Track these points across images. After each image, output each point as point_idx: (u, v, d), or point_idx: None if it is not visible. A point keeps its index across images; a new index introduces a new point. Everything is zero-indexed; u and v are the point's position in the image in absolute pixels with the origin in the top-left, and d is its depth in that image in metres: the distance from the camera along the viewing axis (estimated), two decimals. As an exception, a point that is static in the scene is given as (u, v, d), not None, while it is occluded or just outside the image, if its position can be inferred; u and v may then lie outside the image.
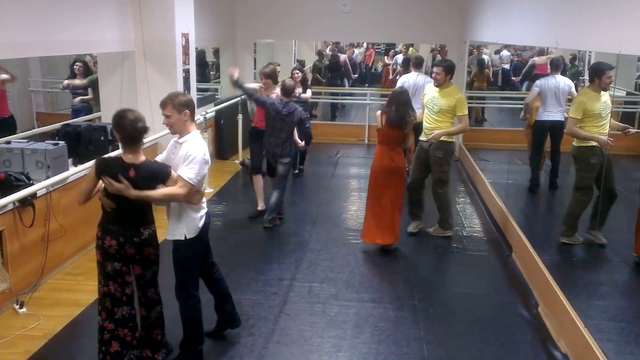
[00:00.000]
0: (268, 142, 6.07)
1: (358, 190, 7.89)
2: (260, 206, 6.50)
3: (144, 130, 3.30)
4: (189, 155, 3.35)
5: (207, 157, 3.44)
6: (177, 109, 3.40)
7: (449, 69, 5.89)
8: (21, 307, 4.34)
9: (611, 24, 3.98)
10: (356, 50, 18.04)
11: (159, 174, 3.37)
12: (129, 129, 3.26)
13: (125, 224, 3.38)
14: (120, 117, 3.27)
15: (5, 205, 4.23)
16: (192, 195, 3.38)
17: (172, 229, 3.49)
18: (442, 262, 5.53)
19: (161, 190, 3.34)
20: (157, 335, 3.65)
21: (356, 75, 16.26)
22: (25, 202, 4.45)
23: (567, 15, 5.04)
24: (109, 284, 3.45)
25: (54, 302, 4.50)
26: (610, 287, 5.12)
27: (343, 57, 15.57)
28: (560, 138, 7.16)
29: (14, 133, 7.01)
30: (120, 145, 3.40)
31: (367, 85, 16.80)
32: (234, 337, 4.02)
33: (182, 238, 3.46)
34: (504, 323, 4.37)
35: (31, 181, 4.70)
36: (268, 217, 6.21)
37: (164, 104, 3.43)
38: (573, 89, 7.24)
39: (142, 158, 3.36)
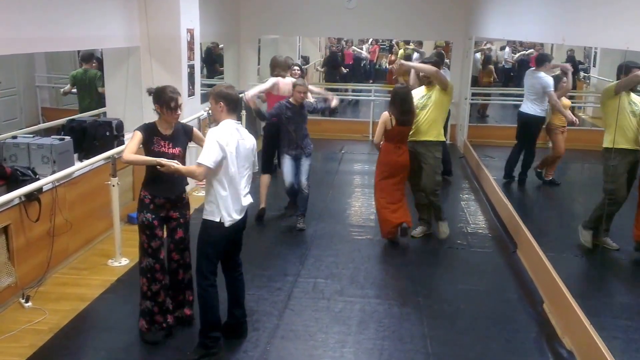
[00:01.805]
0: (292, 143, 6.00)
1: (362, 186, 7.88)
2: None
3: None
4: (205, 139, 3.53)
5: (223, 141, 3.45)
6: (215, 99, 3.60)
7: (436, 65, 5.78)
8: (27, 301, 4.35)
9: (619, 21, 3.96)
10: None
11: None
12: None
13: None
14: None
15: (11, 200, 4.23)
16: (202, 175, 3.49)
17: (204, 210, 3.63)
18: (447, 259, 5.53)
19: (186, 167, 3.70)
20: None
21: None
22: (31, 196, 4.45)
23: (575, 11, 5.01)
24: None
25: (60, 297, 4.52)
26: (616, 284, 5.11)
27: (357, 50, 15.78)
28: (529, 133, 7.44)
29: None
30: None
31: (371, 81, 16.75)
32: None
33: (208, 218, 3.58)
34: (509, 320, 4.37)
35: (37, 176, 4.70)
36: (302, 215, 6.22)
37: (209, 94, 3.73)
38: (549, 89, 7.20)
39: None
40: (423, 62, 6.02)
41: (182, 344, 3.90)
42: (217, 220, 3.54)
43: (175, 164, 3.59)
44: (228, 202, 3.54)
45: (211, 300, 3.68)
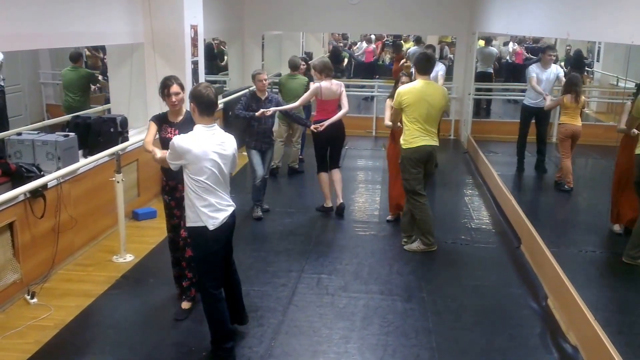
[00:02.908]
0: (256, 137, 6.11)
1: (365, 182, 7.87)
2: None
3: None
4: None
5: (183, 149, 3.36)
6: (189, 99, 3.55)
7: (415, 63, 5.35)
8: (32, 298, 4.38)
9: (624, 15, 3.94)
10: None
11: None
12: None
13: None
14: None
15: (16, 197, 4.25)
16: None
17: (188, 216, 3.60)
18: (450, 254, 5.52)
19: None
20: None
21: None
22: (36, 193, 4.47)
23: (579, 5, 5.00)
24: None
25: (65, 293, 4.54)
26: (621, 280, 5.10)
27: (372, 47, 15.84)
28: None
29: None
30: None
31: (376, 77, 16.70)
32: (243, 328, 4.03)
33: (191, 225, 3.55)
34: (513, 315, 4.37)
35: (42, 172, 4.72)
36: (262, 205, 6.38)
37: None
38: (527, 75, 7.86)
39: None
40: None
41: (185, 339, 3.93)
42: (201, 225, 3.47)
43: (156, 152, 3.80)
44: (205, 207, 3.44)
45: (219, 315, 3.64)
